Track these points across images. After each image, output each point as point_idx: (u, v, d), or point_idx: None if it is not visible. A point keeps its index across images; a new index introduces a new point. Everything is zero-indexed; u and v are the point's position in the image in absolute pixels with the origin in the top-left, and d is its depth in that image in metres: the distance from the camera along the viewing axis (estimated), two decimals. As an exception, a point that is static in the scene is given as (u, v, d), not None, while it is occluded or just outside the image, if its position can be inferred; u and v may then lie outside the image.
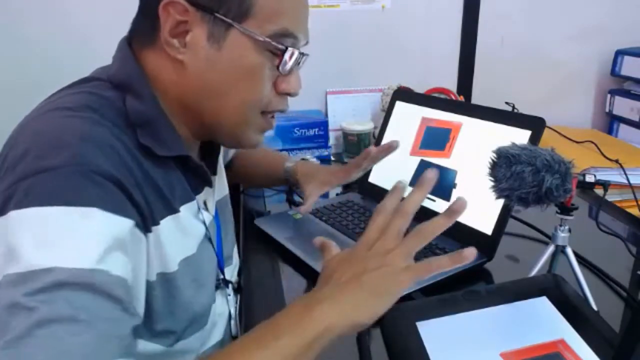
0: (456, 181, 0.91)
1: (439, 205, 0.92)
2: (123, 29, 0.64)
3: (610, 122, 1.58)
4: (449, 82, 1.51)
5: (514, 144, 0.62)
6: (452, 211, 0.54)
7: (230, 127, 0.64)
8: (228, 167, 1.01)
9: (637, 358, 0.42)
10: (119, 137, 0.54)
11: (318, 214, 0.99)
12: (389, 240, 0.53)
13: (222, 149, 0.92)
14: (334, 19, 1.43)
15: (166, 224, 0.58)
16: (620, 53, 1.51)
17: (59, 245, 0.44)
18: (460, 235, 0.86)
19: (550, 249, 0.73)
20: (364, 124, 1.36)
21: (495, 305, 0.64)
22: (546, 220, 0.75)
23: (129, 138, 0.56)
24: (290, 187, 1.13)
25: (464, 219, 0.87)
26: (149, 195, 0.56)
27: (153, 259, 0.57)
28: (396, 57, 1.49)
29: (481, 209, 0.85)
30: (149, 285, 0.57)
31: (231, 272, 0.78)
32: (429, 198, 0.94)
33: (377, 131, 1.17)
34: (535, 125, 0.82)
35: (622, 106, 1.52)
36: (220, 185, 0.80)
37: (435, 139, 0.97)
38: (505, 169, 0.60)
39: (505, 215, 0.82)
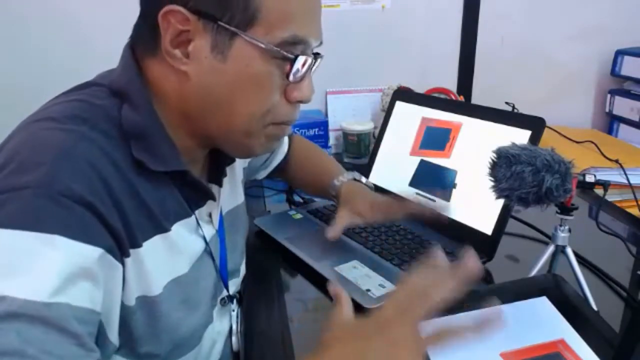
0: (456, 181, 0.91)
1: (439, 205, 0.92)
2: (124, 30, 0.62)
3: (610, 122, 1.58)
4: (449, 82, 1.51)
5: (514, 144, 0.62)
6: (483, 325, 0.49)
7: (238, 139, 0.60)
8: (281, 167, 0.99)
9: (637, 358, 0.42)
10: (108, 150, 0.52)
11: (318, 214, 0.99)
12: (408, 325, 0.47)
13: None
14: (334, 19, 1.43)
15: (151, 245, 0.56)
16: (620, 53, 1.51)
17: (15, 273, 0.42)
18: (461, 235, 0.87)
19: (550, 249, 0.73)
20: (364, 124, 1.36)
21: (495, 305, 0.64)
22: (546, 220, 0.75)
23: (122, 151, 0.53)
24: (291, 187, 1.12)
25: (464, 219, 0.87)
26: (131, 215, 0.52)
27: (131, 283, 0.54)
28: (396, 57, 1.49)
29: (481, 209, 0.85)
30: (128, 309, 0.54)
31: (236, 285, 0.75)
32: (429, 198, 0.94)
33: (377, 131, 1.17)
34: (535, 125, 0.82)
35: (622, 106, 1.52)
36: (232, 194, 0.76)
37: (435, 139, 0.97)
38: (505, 169, 0.60)
39: (505, 215, 0.82)
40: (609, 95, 1.57)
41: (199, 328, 0.65)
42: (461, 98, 1.43)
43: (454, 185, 0.91)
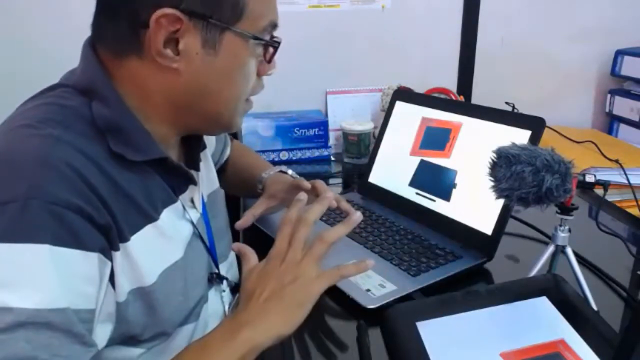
0: (456, 181, 0.91)
1: (438, 205, 0.92)
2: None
3: (610, 122, 1.58)
4: (449, 82, 1.51)
5: (514, 144, 0.62)
6: (350, 222, 0.64)
7: (226, 119, 0.64)
8: (223, 168, 0.99)
9: (637, 358, 0.42)
10: (86, 149, 0.52)
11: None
12: (297, 250, 0.61)
13: (214, 148, 0.91)
14: (334, 19, 1.43)
15: (141, 236, 0.56)
16: (620, 53, 1.52)
17: (17, 285, 0.44)
18: (461, 235, 0.87)
19: (550, 249, 0.73)
20: (364, 124, 1.36)
21: (495, 305, 0.64)
22: (546, 220, 0.75)
23: (99, 147, 0.54)
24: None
25: (464, 219, 0.87)
26: (118, 209, 0.53)
27: (121, 278, 0.55)
28: (396, 57, 1.49)
29: (481, 209, 0.85)
30: (119, 305, 0.55)
31: (226, 268, 0.77)
32: (429, 198, 0.94)
33: (377, 131, 1.17)
34: (535, 125, 0.82)
35: (622, 106, 1.52)
36: (209, 179, 0.78)
37: (435, 139, 0.97)
38: (505, 169, 0.60)
39: (505, 215, 0.82)
40: (609, 95, 1.57)
41: (196, 307, 0.66)
42: (461, 98, 1.43)
43: (454, 185, 0.91)
